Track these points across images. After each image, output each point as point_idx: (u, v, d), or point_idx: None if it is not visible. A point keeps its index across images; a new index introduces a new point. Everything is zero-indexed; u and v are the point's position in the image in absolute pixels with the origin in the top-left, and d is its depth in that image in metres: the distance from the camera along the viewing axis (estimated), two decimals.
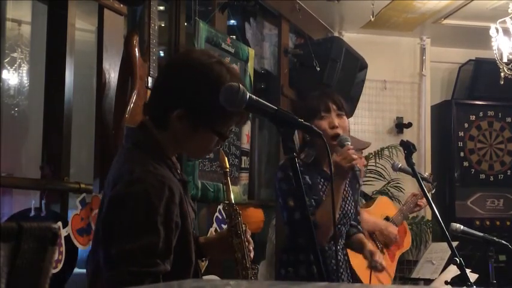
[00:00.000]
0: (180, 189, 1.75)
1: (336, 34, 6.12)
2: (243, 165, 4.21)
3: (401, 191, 5.83)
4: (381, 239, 3.90)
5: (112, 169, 1.80)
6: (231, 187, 2.01)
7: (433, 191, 4.39)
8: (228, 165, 2.04)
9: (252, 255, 1.98)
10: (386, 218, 4.11)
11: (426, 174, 4.47)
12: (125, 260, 1.61)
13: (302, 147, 2.79)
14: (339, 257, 2.82)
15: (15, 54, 3.72)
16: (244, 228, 1.97)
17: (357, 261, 3.15)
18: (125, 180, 1.70)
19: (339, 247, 2.82)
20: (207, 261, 3.57)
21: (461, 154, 6.47)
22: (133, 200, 1.66)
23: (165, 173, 1.73)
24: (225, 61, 1.87)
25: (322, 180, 2.77)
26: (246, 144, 4.26)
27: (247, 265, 1.94)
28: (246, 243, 1.96)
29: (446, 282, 3.52)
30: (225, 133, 1.81)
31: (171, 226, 1.67)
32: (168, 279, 1.63)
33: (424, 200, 3.79)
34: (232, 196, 2.00)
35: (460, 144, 6.48)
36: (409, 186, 5.75)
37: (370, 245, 3.51)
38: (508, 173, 6.51)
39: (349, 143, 2.66)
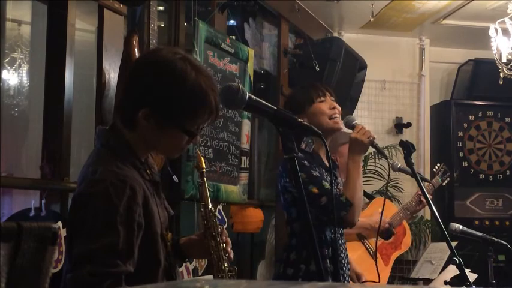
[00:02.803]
0: (146, 189, 1.73)
1: (336, 34, 6.13)
2: (242, 165, 4.21)
3: (401, 191, 5.83)
4: (373, 235, 3.87)
5: (81, 170, 1.78)
6: (207, 188, 2.00)
7: (445, 183, 4.35)
8: (204, 166, 2.01)
9: (231, 256, 1.96)
10: None
11: (438, 166, 4.38)
12: (85, 261, 1.59)
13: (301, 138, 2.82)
14: (342, 245, 2.86)
15: (15, 55, 3.73)
16: (220, 230, 1.95)
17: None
18: (87, 181, 1.69)
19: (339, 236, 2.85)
20: (207, 262, 3.58)
21: (461, 154, 6.47)
22: (93, 199, 1.64)
23: (129, 173, 1.71)
24: (192, 58, 1.82)
25: (324, 171, 2.79)
26: (245, 144, 4.27)
27: (223, 267, 1.93)
28: (223, 245, 1.94)
29: (445, 282, 3.52)
30: (194, 131, 1.77)
31: (132, 226, 1.64)
32: (133, 280, 1.61)
33: None
34: (208, 197, 1.98)
35: (459, 144, 6.48)
36: (409, 186, 5.76)
37: (357, 268, 3.56)
38: (507, 173, 6.52)
39: (357, 122, 2.74)
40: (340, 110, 2.84)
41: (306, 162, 2.68)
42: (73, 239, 1.66)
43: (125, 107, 1.80)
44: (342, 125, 2.80)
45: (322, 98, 2.80)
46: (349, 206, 2.63)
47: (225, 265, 1.93)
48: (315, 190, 2.64)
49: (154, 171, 1.86)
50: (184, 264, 3.41)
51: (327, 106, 2.79)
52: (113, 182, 1.64)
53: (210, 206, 1.97)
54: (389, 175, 3.21)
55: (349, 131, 2.82)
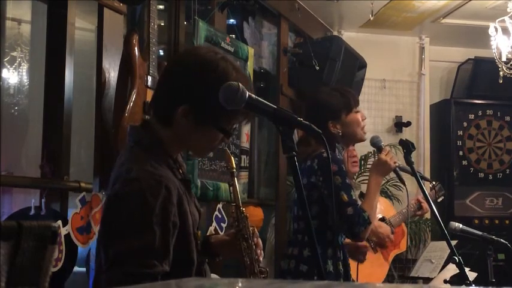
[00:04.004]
0: (180, 188, 1.73)
1: (335, 33, 6.13)
2: (242, 164, 4.21)
3: (401, 190, 5.83)
4: (374, 239, 3.89)
5: (114, 169, 1.79)
6: (238, 188, 1.98)
7: (440, 199, 4.34)
8: (234, 166, 1.99)
9: (261, 258, 1.96)
10: (382, 218, 4.06)
11: (433, 183, 4.39)
12: (121, 261, 1.60)
13: (333, 144, 2.85)
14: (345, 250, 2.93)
15: (15, 53, 3.72)
16: (251, 232, 1.95)
17: None
18: (122, 180, 1.69)
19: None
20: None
21: (460, 153, 6.47)
22: (129, 199, 1.64)
23: (164, 172, 1.71)
24: (230, 58, 1.86)
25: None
26: (245, 143, 4.27)
27: (255, 270, 1.92)
28: (254, 247, 1.94)
29: (445, 281, 3.52)
30: (229, 130, 1.80)
31: (168, 226, 1.65)
32: (168, 280, 1.60)
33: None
34: (239, 199, 1.97)
35: (459, 143, 6.48)
36: (408, 185, 5.74)
37: None
38: (507, 172, 6.52)
39: (383, 144, 2.88)
40: None
41: (344, 167, 2.74)
42: (109, 238, 1.67)
43: (162, 104, 1.81)
44: None
45: (357, 108, 2.90)
46: (369, 224, 2.69)
47: (257, 267, 1.93)
48: (345, 198, 2.69)
49: (184, 170, 1.87)
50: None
51: (361, 117, 2.89)
52: (148, 182, 1.65)
53: (242, 207, 1.96)
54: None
55: None
